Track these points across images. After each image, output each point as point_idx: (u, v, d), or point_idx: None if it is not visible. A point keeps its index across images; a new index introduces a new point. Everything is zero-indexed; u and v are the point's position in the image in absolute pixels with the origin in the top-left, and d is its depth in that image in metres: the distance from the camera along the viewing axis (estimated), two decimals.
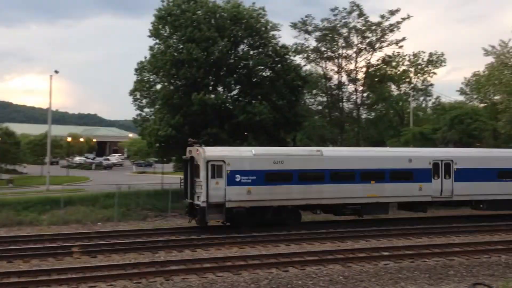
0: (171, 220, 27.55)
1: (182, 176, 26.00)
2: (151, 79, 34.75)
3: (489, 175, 25.88)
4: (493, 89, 45.93)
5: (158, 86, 34.59)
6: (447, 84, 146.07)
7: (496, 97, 47.22)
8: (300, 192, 22.88)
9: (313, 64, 43.46)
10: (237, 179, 21.77)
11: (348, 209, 24.16)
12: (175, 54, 31.39)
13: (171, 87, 32.85)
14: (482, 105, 50.59)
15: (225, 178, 21.62)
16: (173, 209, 28.74)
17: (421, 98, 52.44)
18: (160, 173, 42.72)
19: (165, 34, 32.99)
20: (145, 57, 33.52)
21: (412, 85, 48.83)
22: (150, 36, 33.11)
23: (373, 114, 47.01)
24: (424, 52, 47.90)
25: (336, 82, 43.44)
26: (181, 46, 31.55)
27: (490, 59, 43.01)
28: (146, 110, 36.08)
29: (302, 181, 22.87)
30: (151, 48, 32.89)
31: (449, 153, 27.07)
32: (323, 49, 42.70)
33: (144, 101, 35.95)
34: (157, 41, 32.98)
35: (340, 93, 43.30)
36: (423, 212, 26.10)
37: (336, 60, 42.90)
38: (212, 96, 31.68)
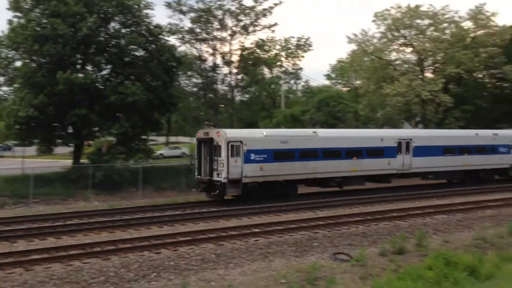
0: (34, 207, 25.69)
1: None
2: (9, 55, 31.77)
3: (437, 151, 31.15)
4: (354, 75, 49.83)
5: (18, 63, 31.78)
6: (319, 69, 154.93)
7: (357, 82, 51.32)
8: (300, 168, 26.13)
9: (188, 45, 43.03)
10: (252, 158, 24.49)
11: (333, 182, 27.70)
12: (38, 29, 29.00)
13: (34, 65, 30.41)
14: (345, 89, 54.63)
15: (242, 157, 24.19)
16: (36, 195, 26.77)
17: (292, 82, 55.11)
18: (21, 157, 39.38)
19: (26, 7, 30.31)
20: (2, 31, 30.74)
21: (283, 68, 50.94)
22: (9, 9, 30.22)
23: (246, 96, 48.16)
24: (293, 37, 50.36)
25: (211, 64, 43.54)
26: (45, 21, 29.22)
27: (353, 47, 46.40)
28: (4, 88, 33.02)
29: (302, 158, 26.15)
30: (10, 22, 30.03)
31: (409, 133, 32.16)
32: (198, 30, 42.42)
33: (1, 79, 32.80)
34: (18, 14, 30.21)
35: (215, 75, 43.51)
36: (388, 183, 30.57)
37: (211, 42, 42.92)
38: (81, 75, 29.95)
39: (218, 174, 24.19)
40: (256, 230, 18.37)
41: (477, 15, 41.60)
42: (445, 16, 41.84)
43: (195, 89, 45.23)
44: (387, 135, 30.46)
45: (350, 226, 19.40)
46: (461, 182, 32.86)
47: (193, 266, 14.45)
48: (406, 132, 33.33)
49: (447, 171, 32.06)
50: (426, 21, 42.04)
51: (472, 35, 42.48)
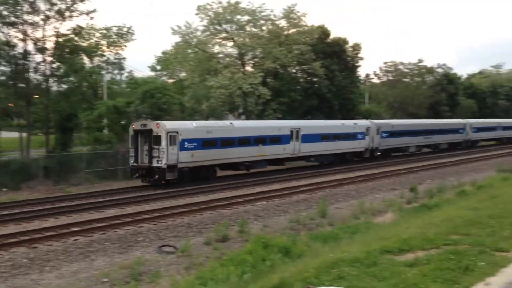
0: None
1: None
2: None
3: (317, 138, 37.39)
4: (179, 67, 49.84)
5: None
6: (145, 60, 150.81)
7: (182, 74, 51.42)
8: (221, 154, 30.22)
9: None
10: (185, 146, 27.71)
11: (243, 165, 32.48)
12: None
13: None
14: (170, 80, 54.31)
15: (178, 145, 27.28)
16: None
17: (116, 72, 52.76)
18: None
19: None
20: None
21: (104, 58, 48.46)
22: None
23: (64, 86, 44.61)
24: (115, 26, 48.11)
25: (21, 51, 39.26)
26: None
27: (177, 38, 46.27)
28: None
29: (223, 146, 30.20)
30: None
31: (298, 123, 37.56)
32: (5, 13, 37.84)
33: None
34: None
35: (27, 63, 39.38)
36: (282, 166, 36.24)
37: (20, 27, 38.67)
38: None
39: (157, 161, 26.98)
40: (76, 229, 17.20)
41: (289, 14, 45.02)
42: (262, 14, 44.32)
43: (3, 77, 40.36)
44: (283, 125, 35.85)
45: (175, 218, 19.40)
46: (331, 162, 39.68)
47: (1, 273, 12.95)
48: (296, 122, 38.52)
49: (324, 154, 38.86)
50: (246, 17, 44.02)
51: (286, 33, 45.88)
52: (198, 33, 44.70)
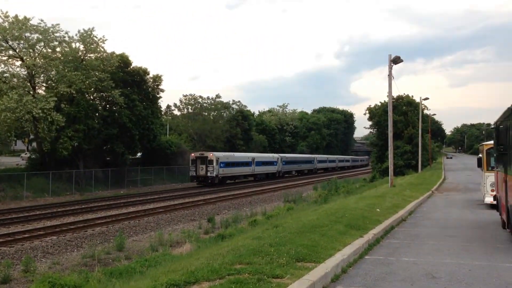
0: None
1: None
2: None
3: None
4: None
5: None
6: None
7: None
8: (233, 170, 56.86)
9: None
10: (220, 165, 52.45)
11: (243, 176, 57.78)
12: None
13: None
14: None
15: (218, 165, 51.64)
16: None
17: None
18: None
19: None
20: None
21: None
22: None
23: None
24: None
25: None
26: None
27: None
28: None
29: (232, 166, 55.96)
30: None
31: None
32: None
33: None
34: None
35: None
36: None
37: None
38: None
39: (209, 173, 51.06)
40: None
41: (86, 38, 43.11)
42: (56, 35, 41.64)
43: None
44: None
45: None
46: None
47: None
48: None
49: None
50: (36, 36, 40.75)
51: (83, 57, 43.85)
52: None
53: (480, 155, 22.72)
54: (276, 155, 71.79)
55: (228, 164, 54.37)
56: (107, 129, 46.79)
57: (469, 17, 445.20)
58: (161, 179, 54.96)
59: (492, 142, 17.97)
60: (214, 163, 50.31)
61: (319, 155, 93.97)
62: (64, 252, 19.22)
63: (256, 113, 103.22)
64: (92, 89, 45.67)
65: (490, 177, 20.59)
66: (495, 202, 17.70)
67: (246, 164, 59.65)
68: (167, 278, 7.11)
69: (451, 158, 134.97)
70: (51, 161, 42.75)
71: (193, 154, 52.10)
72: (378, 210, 17.23)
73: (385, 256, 10.66)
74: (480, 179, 26.38)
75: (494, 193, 17.96)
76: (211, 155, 51.15)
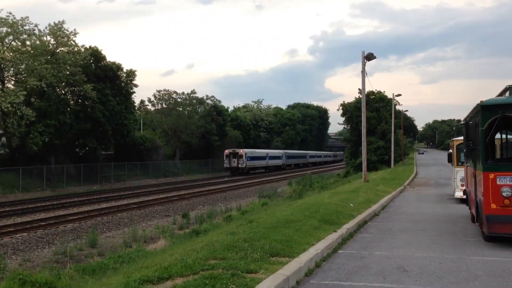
0: None
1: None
2: None
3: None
4: None
5: None
6: None
7: None
8: (256, 163, 73.40)
9: None
10: (248, 159, 67.65)
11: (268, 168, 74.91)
12: None
13: None
14: None
15: (246, 158, 66.74)
16: None
17: None
18: None
19: None
20: None
21: None
22: None
23: None
24: None
25: None
26: None
27: None
28: None
29: (255, 159, 72.19)
30: None
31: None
32: None
33: None
34: None
35: None
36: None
37: None
38: None
39: (240, 164, 65.77)
40: None
41: (57, 32, 42.17)
42: (25, 28, 40.65)
43: None
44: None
45: None
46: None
47: None
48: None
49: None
50: (5, 29, 39.72)
51: (54, 50, 42.92)
52: None
53: (451, 151, 23.17)
54: (281, 151, 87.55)
55: (253, 158, 70.22)
56: (79, 124, 46.01)
57: (440, 14, 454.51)
58: (135, 175, 54.41)
59: (462, 138, 18.32)
60: (244, 157, 66.36)
61: (311, 151, 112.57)
62: (35, 249, 18.87)
63: (231, 108, 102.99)
64: (64, 83, 44.77)
65: (460, 172, 21.02)
66: (465, 197, 18.09)
67: (263, 158, 76.01)
68: (140, 274, 7.04)
69: (422, 153, 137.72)
70: (21, 156, 41.79)
71: (227, 151, 67.31)
72: (351, 205, 17.41)
73: (358, 250, 10.79)
74: (450, 174, 26.91)
75: (464, 187, 18.34)
76: (241, 151, 67.21)
